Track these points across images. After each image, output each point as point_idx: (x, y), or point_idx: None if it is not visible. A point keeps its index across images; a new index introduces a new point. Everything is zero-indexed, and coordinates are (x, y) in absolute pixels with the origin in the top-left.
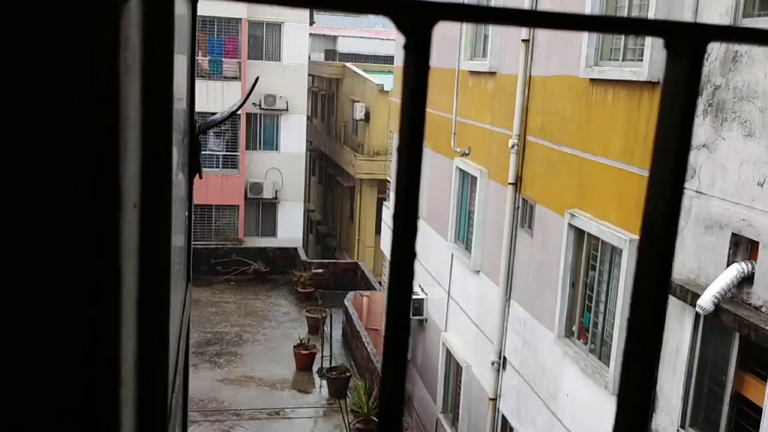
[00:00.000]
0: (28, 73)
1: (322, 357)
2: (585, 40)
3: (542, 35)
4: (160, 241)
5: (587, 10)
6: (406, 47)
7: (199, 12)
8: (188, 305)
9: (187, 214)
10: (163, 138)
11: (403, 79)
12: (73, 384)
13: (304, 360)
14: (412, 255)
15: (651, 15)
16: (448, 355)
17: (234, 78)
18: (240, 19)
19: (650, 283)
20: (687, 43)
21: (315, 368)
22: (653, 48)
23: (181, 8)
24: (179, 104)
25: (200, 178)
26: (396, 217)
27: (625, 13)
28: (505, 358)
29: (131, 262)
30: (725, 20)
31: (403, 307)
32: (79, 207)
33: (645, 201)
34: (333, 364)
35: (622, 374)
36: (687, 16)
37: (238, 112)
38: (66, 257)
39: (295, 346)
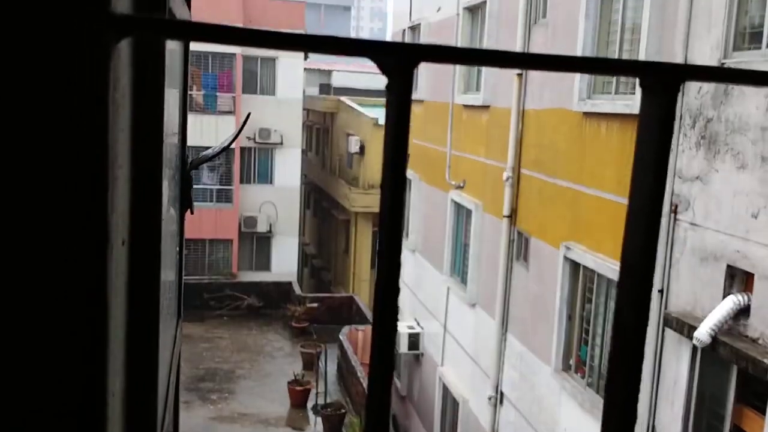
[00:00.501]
0: (17, 109)
1: (317, 393)
2: (578, 74)
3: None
4: (149, 278)
5: (579, 47)
6: (388, 88)
7: (194, 47)
8: (179, 341)
9: (178, 249)
10: (153, 175)
11: (386, 119)
12: (64, 413)
13: (299, 396)
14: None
15: (642, 49)
16: (445, 389)
17: (228, 112)
18: (234, 54)
19: (630, 314)
20: (661, 82)
21: (310, 405)
22: None
23: (172, 42)
24: (171, 139)
25: (191, 213)
26: (380, 253)
27: (616, 49)
28: (502, 393)
29: (120, 299)
30: (716, 54)
31: (389, 339)
32: (66, 245)
33: (624, 235)
34: (328, 401)
35: (605, 405)
36: (677, 51)
37: (232, 146)
38: (51, 295)
39: (289, 382)
